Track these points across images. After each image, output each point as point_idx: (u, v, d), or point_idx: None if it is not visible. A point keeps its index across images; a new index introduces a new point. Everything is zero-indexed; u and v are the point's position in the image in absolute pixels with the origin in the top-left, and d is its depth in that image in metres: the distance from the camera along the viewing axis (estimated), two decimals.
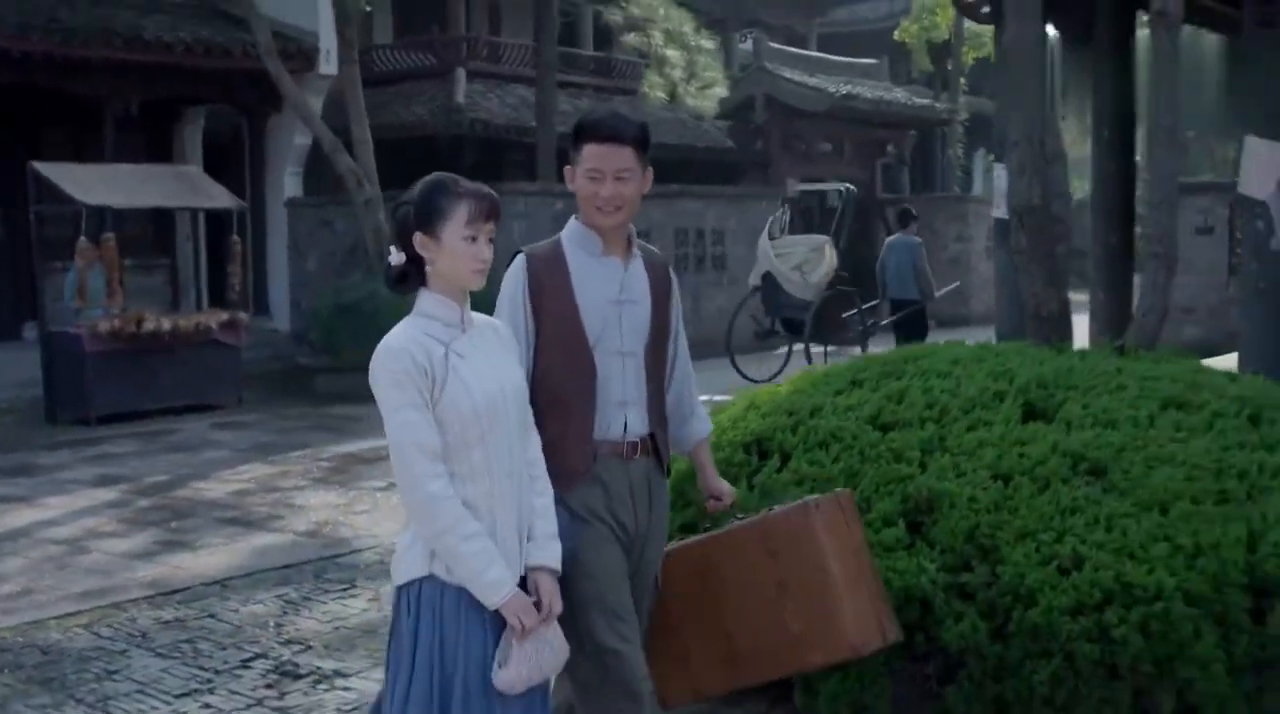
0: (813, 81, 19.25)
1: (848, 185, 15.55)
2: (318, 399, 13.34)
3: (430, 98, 17.61)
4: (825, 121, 19.53)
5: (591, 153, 3.23)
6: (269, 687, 5.01)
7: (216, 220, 17.24)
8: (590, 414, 3.23)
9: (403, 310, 10.61)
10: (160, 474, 9.43)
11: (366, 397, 10.90)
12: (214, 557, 7.04)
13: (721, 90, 15.64)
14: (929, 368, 4.73)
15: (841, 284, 18.38)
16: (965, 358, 4.83)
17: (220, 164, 17.28)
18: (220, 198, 12.64)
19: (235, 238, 12.93)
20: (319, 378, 13.71)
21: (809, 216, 22.58)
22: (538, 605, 2.84)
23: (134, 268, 16.04)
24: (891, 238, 14.14)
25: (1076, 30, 9.03)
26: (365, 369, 12.16)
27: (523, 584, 2.87)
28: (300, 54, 15.43)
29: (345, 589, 6.37)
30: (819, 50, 24.46)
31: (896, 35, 23.50)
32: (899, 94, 21.26)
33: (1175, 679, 3.66)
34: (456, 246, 2.83)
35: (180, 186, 12.52)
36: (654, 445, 3.36)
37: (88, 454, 10.38)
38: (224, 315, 12.54)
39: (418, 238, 2.84)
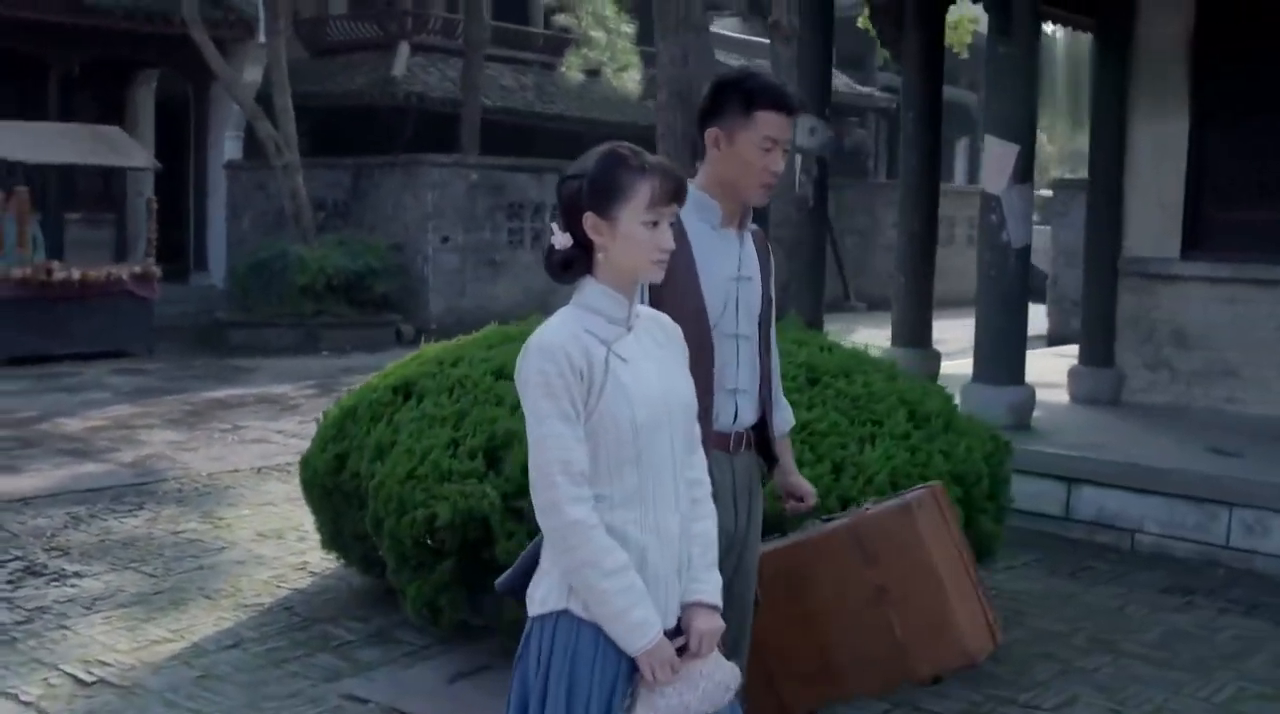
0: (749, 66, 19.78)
1: None
2: (227, 351, 14.13)
3: (371, 69, 18.33)
4: None
5: (768, 121, 2.98)
6: (9, 582, 5.76)
7: (170, 180, 18.13)
8: (708, 405, 2.88)
9: (309, 268, 11.33)
10: (33, 410, 10.22)
11: (272, 350, 11.81)
12: (32, 480, 7.80)
13: (636, 73, 16.29)
14: None
15: None
16: None
17: (173, 126, 18.12)
18: (137, 157, 13.40)
19: (151, 197, 13.65)
20: (231, 331, 14.49)
21: None
22: (683, 649, 2.47)
23: (81, 222, 16.91)
24: None
25: (891, 32, 9.63)
26: (274, 323, 12.96)
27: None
28: (240, 23, 16.16)
29: (130, 510, 7.11)
30: None
31: (860, 23, 23.78)
32: (839, 82, 21.75)
33: None
34: (635, 232, 2.42)
35: (97, 145, 13.27)
36: (758, 439, 3.14)
37: None
38: (136, 268, 13.29)
39: (589, 219, 2.42)
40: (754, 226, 3.17)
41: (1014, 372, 7.63)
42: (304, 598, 5.62)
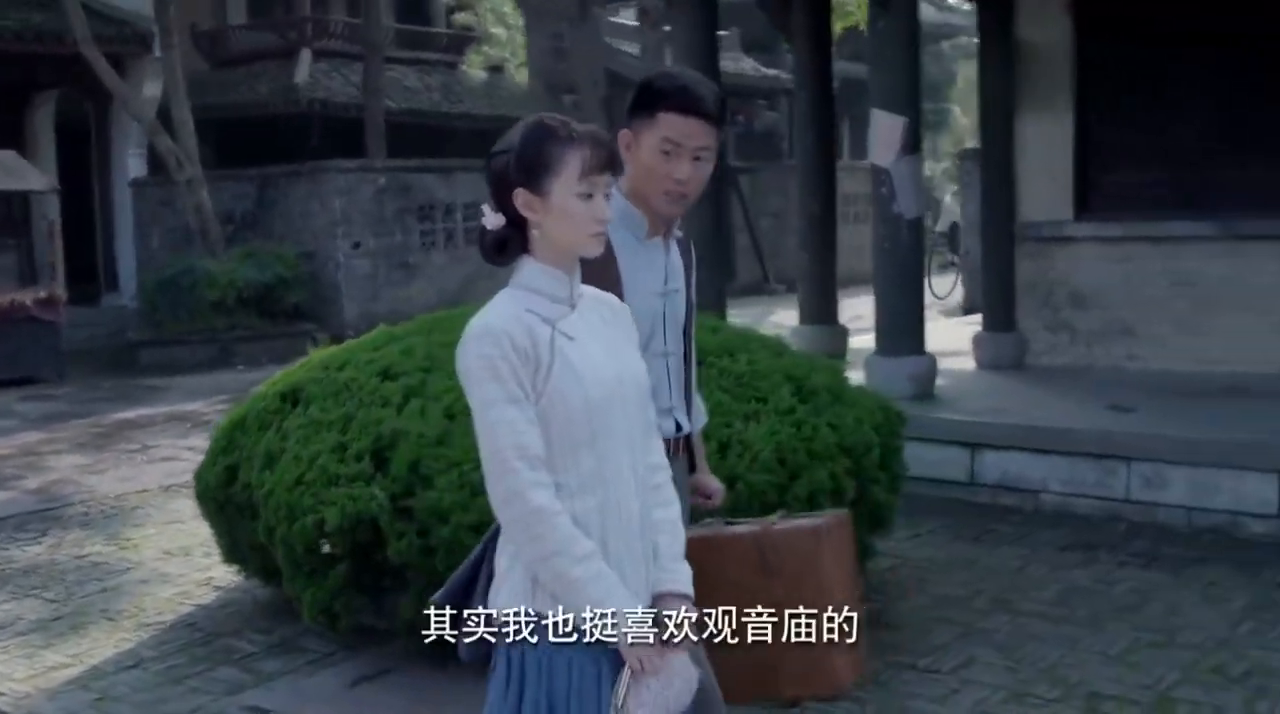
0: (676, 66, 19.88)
1: None
2: (139, 371, 13.93)
3: (273, 78, 18.18)
4: None
5: (670, 123, 2.75)
6: None
7: (77, 201, 17.82)
8: None
9: (218, 282, 11.14)
10: None
11: (185, 367, 11.51)
12: None
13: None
14: (442, 324, 5.42)
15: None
16: None
17: (76, 147, 17.81)
18: (33, 180, 13.18)
19: (52, 220, 13.47)
20: (142, 351, 14.32)
21: None
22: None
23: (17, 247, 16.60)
24: None
25: (780, 13, 9.70)
26: (185, 340, 12.50)
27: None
28: (135, 38, 15.90)
29: (34, 537, 6.99)
30: None
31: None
32: (746, 65, 21.91)
33: None
34: (569, 205, 2.30)
35: None
36: (684, 442, 3.02)
37: None
38: (41, 293, 13.08)
39: (520, 196, 2.30)
40: (679, 234, 2.97)
41: (913, 342, 7.71)
42: (207, 613, 5.56)
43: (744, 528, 3.15)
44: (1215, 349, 8.08)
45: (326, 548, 4.65)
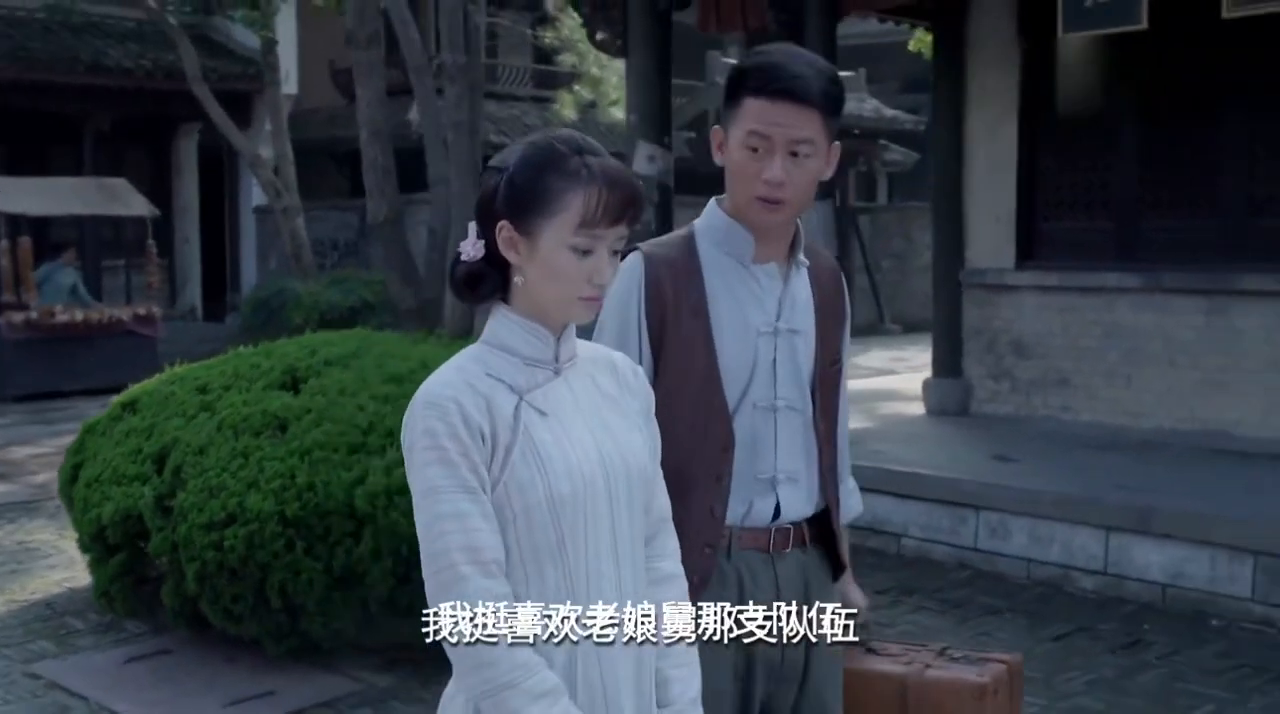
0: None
1: None
2: None
3: (393, 114, 19.21)
4: None
5: (753, 110, 2.20)
6: None
7: (215, 225, 19.37)
8: (720, 499, 2.28)
9: (303, 304, 12.13)
10: (1, 440, 11.20)
11: None
12: None
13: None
14: (277, 349, 6.01)
15: None
16: (319, 342, 6.07)
17: (217, 174, 19.38)
18: (138, 206, 14.45)
19: (151, 242, 14.72)
20: None
21: None
22: None
23: (129, 267, 18.22)
24: None
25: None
26: None
27: None
28: (259, 74, 17.22)
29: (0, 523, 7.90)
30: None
31: (911, 46, 23.99)
32: (869, 106, 21.81)
33: (276, 580, 4.85)
34: (558, 259, 1.83)
35: (101, 196, 14.37)
36: (820, 532, 2.43)
37: None
38: (140, 310, 14.33)
39: (504, 231, 1.84)
40: (825, 256, 2.47)
41: None
42: (71, 595, 6.27)
43: (891, 663, 2.55)
44: (1142, 403, 8.00)
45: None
